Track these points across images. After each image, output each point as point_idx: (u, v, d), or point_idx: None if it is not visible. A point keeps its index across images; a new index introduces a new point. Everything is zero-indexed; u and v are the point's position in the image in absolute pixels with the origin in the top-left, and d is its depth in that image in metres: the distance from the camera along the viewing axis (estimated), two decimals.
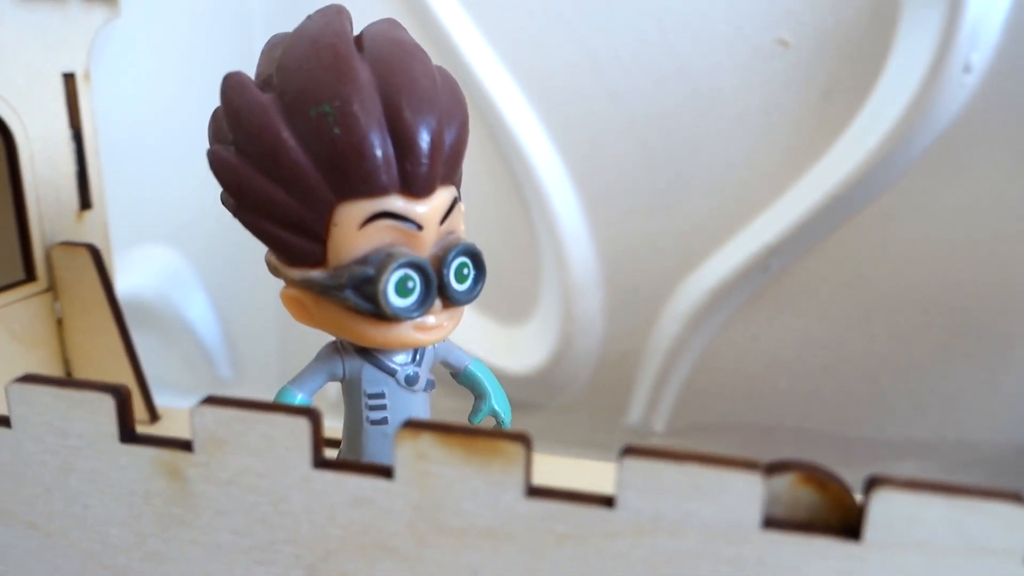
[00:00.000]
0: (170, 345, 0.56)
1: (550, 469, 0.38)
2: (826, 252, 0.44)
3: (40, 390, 0.21)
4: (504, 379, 0.50)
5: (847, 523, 0.18)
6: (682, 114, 0.44)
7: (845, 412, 0.47)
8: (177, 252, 0.54)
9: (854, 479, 0.48)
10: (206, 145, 0.24)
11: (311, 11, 0.24)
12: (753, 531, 0.18)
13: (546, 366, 0.49)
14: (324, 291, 0.23)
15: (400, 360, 0.25)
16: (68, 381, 0.21)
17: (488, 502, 0.19)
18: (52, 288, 0.38)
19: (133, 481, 0.21)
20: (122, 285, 0.52)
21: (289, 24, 0.24)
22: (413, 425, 0.19)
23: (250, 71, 0.24)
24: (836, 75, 0.42)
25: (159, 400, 0.44)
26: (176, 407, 0.54)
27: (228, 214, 0.24)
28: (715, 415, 0.49)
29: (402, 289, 0.23)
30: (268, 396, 0.55)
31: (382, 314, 0.23)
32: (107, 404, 0.21)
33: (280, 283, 0.25)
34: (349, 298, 0.23)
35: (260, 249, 0.25)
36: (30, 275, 0.38)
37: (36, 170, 0.37)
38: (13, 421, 0.21)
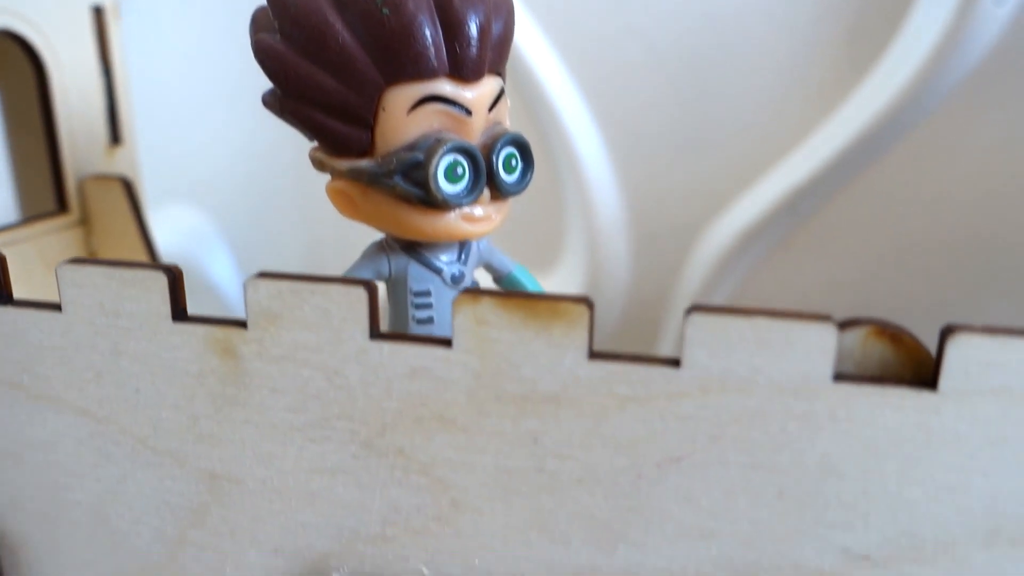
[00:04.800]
0: (193, 305, 0.56)
1: None
2: (855, 193, 0.44)
3: (91, 270, 0.21)
4: None
5: (921, 378, 0.18)
6: (708, 54, 0.43)
7: None
8: (201, 212, 0.54)
9: None
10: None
11: None
12: (824, 384, 0.17)
13: None
14: (372, 180, 0.23)
15: (446, 259, 0.25)
16: (120, 262, 0.21)
17: (549, 366, 0.19)
18: (85, 221, 0.38)
19: (186, 361, 0.21)
20: None
21: None
22: (472, 292, 0.19)
23: None
24: (863, 12, 0.41)
25: None
26: None
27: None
28: None
29: (451, 175, 0.23)
30: None
31: (432, 200, 0.23)
32: (160, 282, 0.20)
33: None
34: (398, 185, 0.23)
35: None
36: (63, 207, 0.37)
37: (69, 101, 0.36)
38: (64, 304, 0.21)
